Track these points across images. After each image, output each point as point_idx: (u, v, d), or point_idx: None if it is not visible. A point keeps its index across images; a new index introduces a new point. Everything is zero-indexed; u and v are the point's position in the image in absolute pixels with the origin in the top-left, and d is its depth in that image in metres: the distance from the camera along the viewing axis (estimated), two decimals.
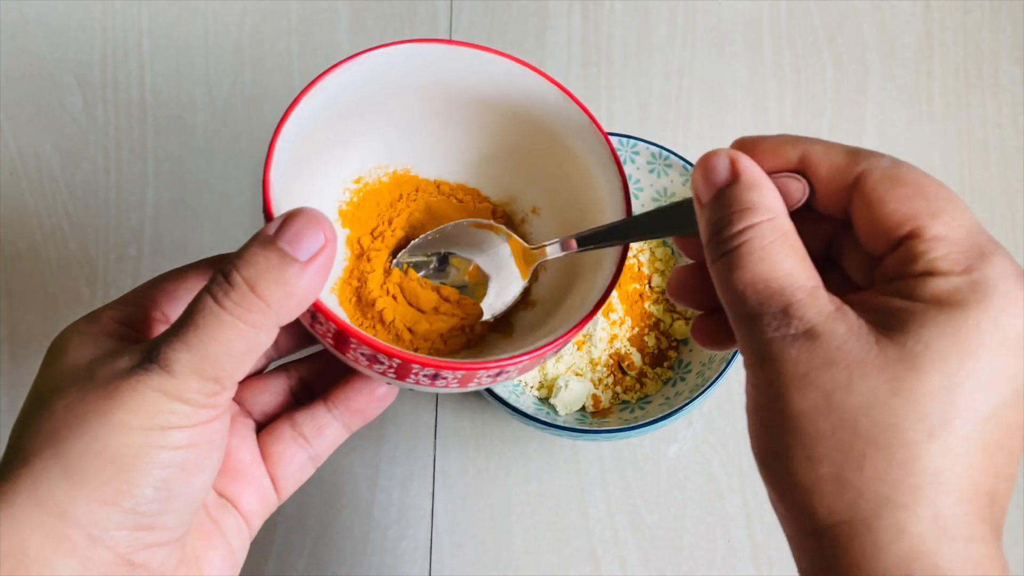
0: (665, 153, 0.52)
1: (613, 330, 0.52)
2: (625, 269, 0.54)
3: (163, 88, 0.61)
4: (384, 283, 0.39)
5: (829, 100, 0.61)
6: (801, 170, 0.28)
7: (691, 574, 0.52)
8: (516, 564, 0.52)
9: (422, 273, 0.40)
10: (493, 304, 0.40)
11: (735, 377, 0.56)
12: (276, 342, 0.36)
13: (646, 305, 0.54)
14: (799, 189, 0.28)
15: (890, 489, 0.24)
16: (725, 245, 0.27)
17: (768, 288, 0.26)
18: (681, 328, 0.53)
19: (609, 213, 0.37)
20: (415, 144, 0.41)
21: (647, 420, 0.47)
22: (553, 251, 0.37)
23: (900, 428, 0.24)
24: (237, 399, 0.36)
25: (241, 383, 0.35)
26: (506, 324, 0.40)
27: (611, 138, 0.53)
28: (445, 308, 0.40)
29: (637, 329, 0.53)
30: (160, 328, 0.33)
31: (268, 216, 0.32)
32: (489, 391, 0.47)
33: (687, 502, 0.53)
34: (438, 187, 0.42)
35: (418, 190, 0.42)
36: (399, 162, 0.42)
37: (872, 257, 0.28)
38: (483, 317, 0.40)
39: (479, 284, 0.40)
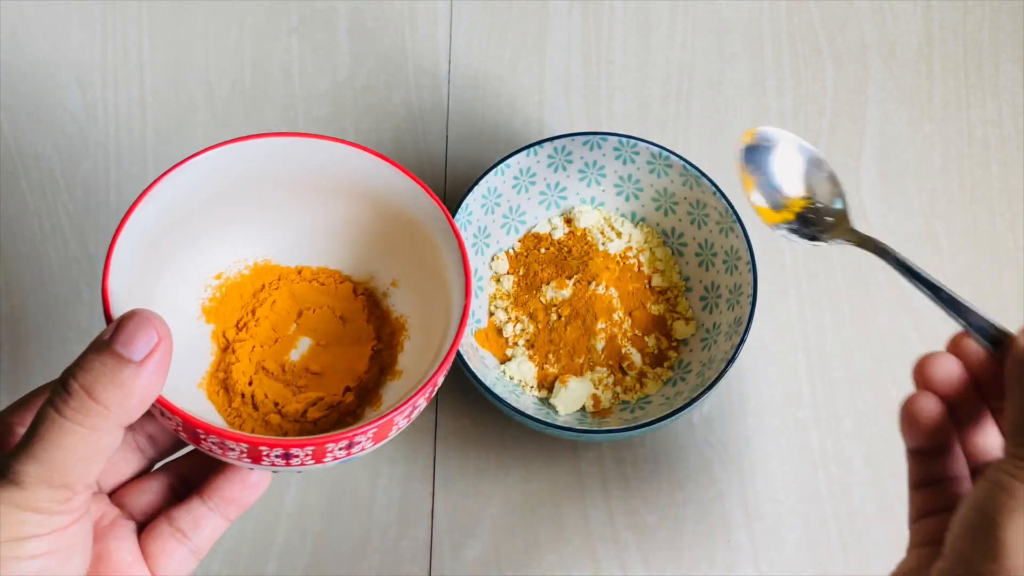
0: (665, 153, 0.52)
1: (613, 330, 0.52)
2: (625, 269, 0.54)
3: (163, 88, 0.61)
4: (251, 372, 0.40)
5: (829, 100, 0.61)
6: None
7: (691, 574, 0.52)
8: (516, 564, 0.52)
9: None
10: None
11: (735, 377, 0.56)
12: (156, 442, 0.38)
13: (646, 305, 0.54)
14: None
15: None
16: None
17: None
18: (681, 328, 0.53)
19: (454, 281, 0.39)
20: (272, 235, 0.43)
21: (647, 420, 0.47)
22: None
23: None
24: (117, 503, 0.36)
25: (121, 487, 0.37)
26: (375, 396, 0.41)
27: (611, 138, 0.53)
28: (310, 383, 0.41)
29: (638, 330, 0.53)
30: None
31: (108, 321, 0.33)
32: (489, 391, 0.47)
33: (687, 502, 0.53)
34: (299, 273, 0.43)
35: (280, 278, 0.43)
36: (258, 254, 0.43)
37: None
38: None
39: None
